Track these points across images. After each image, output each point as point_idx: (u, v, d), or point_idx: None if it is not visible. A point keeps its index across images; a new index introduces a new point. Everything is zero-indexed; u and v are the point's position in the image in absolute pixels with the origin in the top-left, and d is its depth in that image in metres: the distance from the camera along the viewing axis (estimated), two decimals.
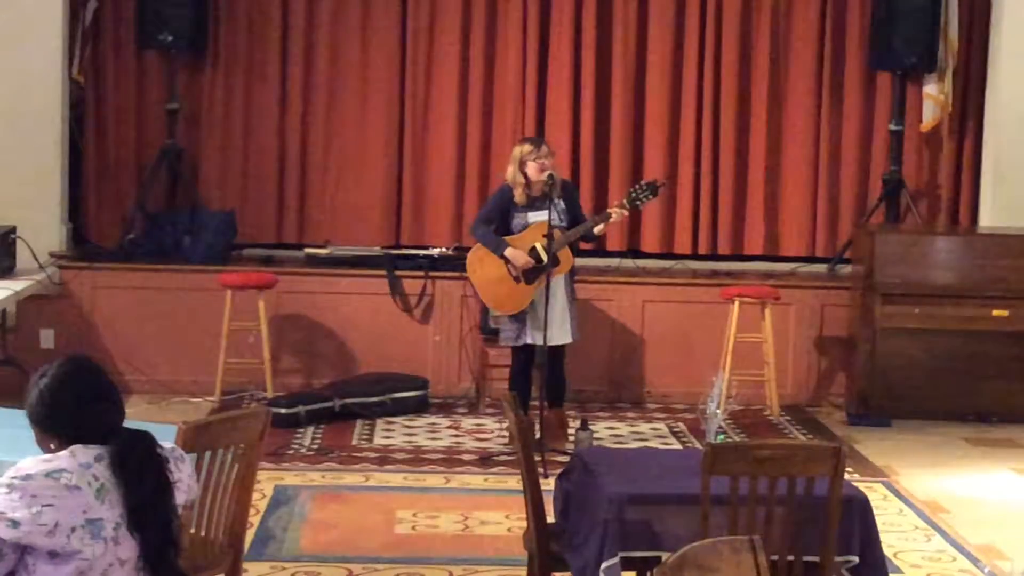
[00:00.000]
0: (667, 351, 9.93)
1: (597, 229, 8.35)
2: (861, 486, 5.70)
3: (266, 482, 7.53)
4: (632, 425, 9.34)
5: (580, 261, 9.48)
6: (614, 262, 10.50)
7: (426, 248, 10.25)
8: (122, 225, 10.28)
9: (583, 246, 8.67)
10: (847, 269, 10.25)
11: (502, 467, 8.11)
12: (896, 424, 9.45)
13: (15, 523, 3.40)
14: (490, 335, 9.28)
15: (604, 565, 4.89)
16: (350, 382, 9.54)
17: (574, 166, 10.48)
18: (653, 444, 8.82)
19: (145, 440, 3.61)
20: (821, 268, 10.59)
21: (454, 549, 6.72)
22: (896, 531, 7.10)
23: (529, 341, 8.31)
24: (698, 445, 8.19)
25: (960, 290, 9.35)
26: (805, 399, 9.99)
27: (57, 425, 3.57)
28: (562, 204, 8.35)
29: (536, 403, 8.27)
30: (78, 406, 3.57)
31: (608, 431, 9.11)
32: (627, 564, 4.96)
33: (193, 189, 10.41)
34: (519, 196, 8.33)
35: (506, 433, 8.53)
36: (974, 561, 6.70)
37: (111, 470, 3.52)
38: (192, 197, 10.36)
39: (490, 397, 9.55)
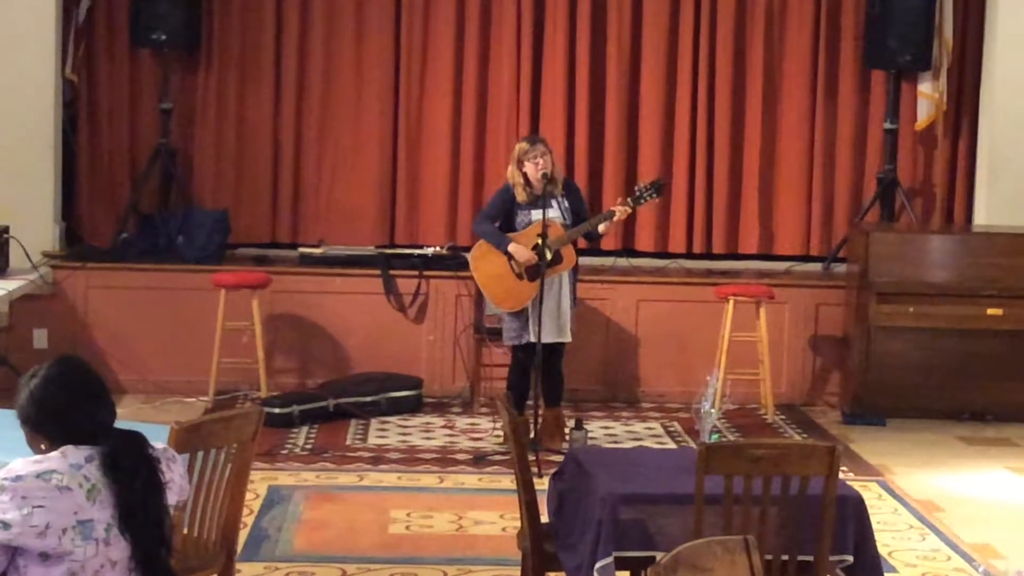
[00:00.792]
0: (662, 350, 9.92)
1: (602, 227, 8.32)
2: (856, 485, 5.68)
3: (260, 482, 7.52)
4: (627, 424, 9.33)
5: None
6: (609, 261, 10.49)
7: (420, 247, 10.24)
8: (115, 224, 10.26)
9: (580, 244, 8.64)
10: (842, 268, 10.26)
11: (496, 467, 8.10)
12: (891, 423, 9.45)
13: (6, 525, 3.38)
14: (487, 335, 9.30)
15: (598, 565, 4.88)
16: (344, 382, 9.53)
17: (569, 165, 10.47)
18: (648, 443, 8.82)
19: (136, 440, 3.59)
20: (816, 267, 10.59)
21: (448, 549, 6.71)
22: (891, 530, 7.09)
23: (532, 340, 8.29)
24: (693, 444, 8.19)
25: (955, 289, 9.35)
26: (800, 398, 9.99)
27: (48, 426, 3.55)
28: (566, 203, 8.34)
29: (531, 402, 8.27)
30: (69, 407, 3.55)
31: (603, 430, 9.11)
32: (621, 564, 4.95)
33: (186, 188, 10.40)
34: (520, 194, 8.32)
35: (500, 432, 8.52)
36: (969, 560, 6.69)
37: (102, 471, 3.50)
38: (185, 196, 10.35)
39: (484, 396, 9.54)
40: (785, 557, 4.88)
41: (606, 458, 5.89)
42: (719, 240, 10.68)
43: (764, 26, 10.59)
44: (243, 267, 9.89)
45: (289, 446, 8.50)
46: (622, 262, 10.53)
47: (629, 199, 8.40)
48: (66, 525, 3.42)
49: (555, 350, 8.33)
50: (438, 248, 10.12)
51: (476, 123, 10.57)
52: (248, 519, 6.90)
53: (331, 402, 9.19)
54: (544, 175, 8.17)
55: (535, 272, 8.23)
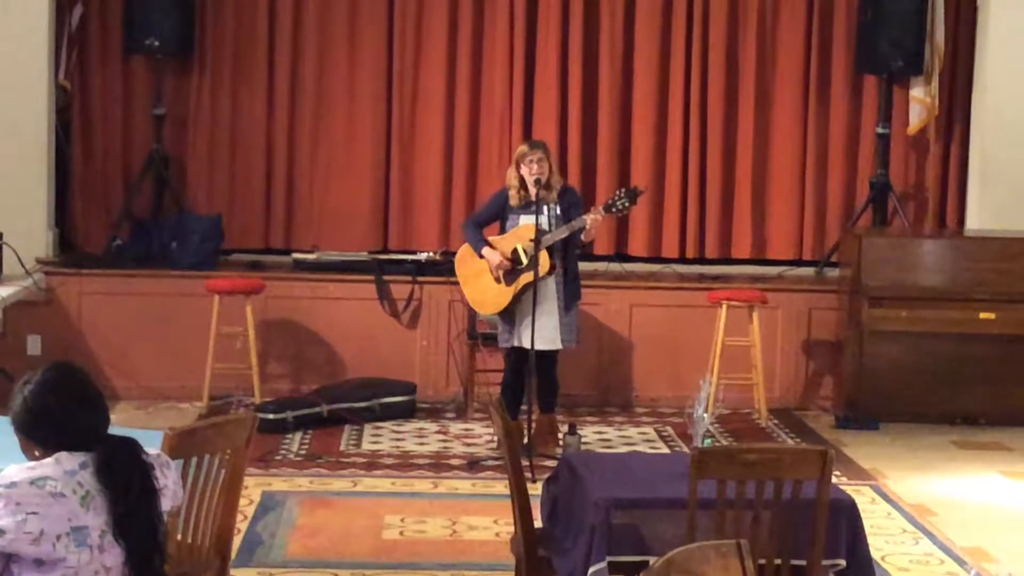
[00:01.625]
0: (655, 355, 9.93)
1: (584, 236, 8.30)
2: (849, 489, 5.70)
3: (254, 488, 7.52)
4: (620, 429, 9.33)
5: None
6: (601, 266, 10.50)
7: (414, 253, 10.25)
8: (109, 230, 10.26)
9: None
10: (835, 272, 10.26)
11: (490, 472, 8.10)
12: (884, 427, 9.46)
13: (0, 531, 3.38)
14: (480, 340, 9.30)
15: (591, 569, 4.89)
16: (338, 387, 9.53)
17: (562, 169, 10.45)
18: (641, 448, 8.82)
19: (130, 447, 3.59)
20: (809, 271, 10.60)
21: (442, 554, 6.71)
22: (884, 534, 7.10)
23: (516, 343, 8.32)
24: (686, 449, 8.18)
25: (947, 293, 9.36)
26: (793, 402, 10.00)
27: (42, 432, 3.56)
28: (558, 210, 8.33)
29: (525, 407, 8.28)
30: (63, 413, 3.55)
31: (596, 435, 9.11)
32: (614, 568, 4.95)
33: (180, 194, 10.40)
34: (513, 198, 8.35)
35: (494, 438, 8.53)
36: (962, 564, 6.70)
37: (96, 477, 3.50)
38: (179, 202, 10.36)
39: (478, 402, 9.55)
40: (778, 561, 4.89)
41: (600, 463, 5.89)
42: (712, 245, 10.69)
43: (756, 30, 10.60)
44: (237, 273, 9.91)
45: (283, 452, 8.50)
46: (615, 267, 10.54)
47: (602, 207, 8.40)
48: (60, 532, 3.42)
49: (546, 356, 8.34)
50: (431, 253, 10.13)
51: (469, 129, 10.58)
52: (242, 525, 6.90)
53: (325, 408, 9.19)
54: (537, 180, 8.19)
55: (511, 277, 8.27)
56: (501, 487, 7.32)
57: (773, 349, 9.86)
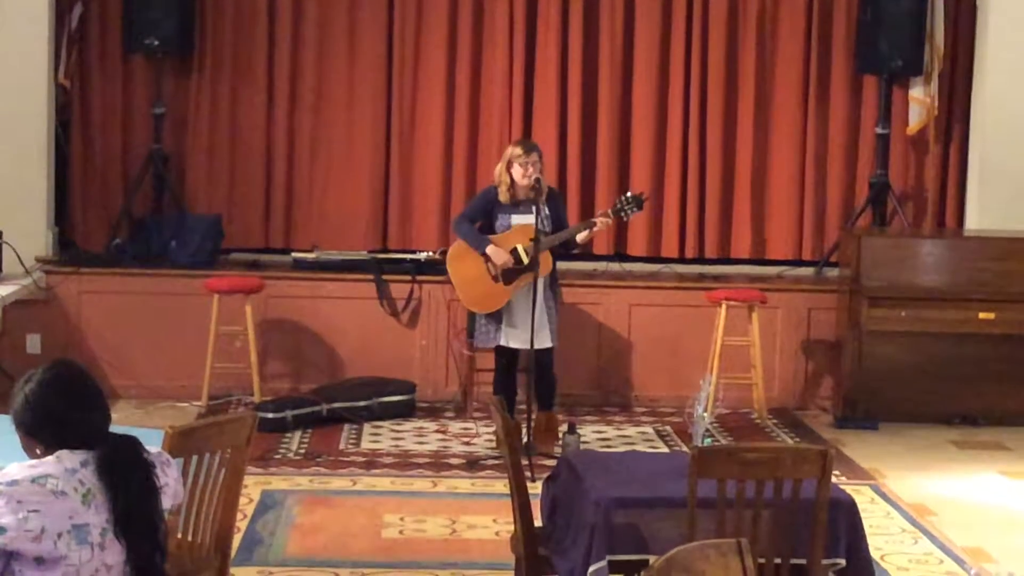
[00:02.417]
0: (654, 355, 9.93)
1: (580, 236, 8.37)
2: (848, 489, 5.70)
3: (253, 487, 7.52)
4: (619, 428, 9.34)
5: (566, 265, 9.53)
6: (601, 266, 10.50)
7: (413, 252, 10.24)
8: (108, 230, 10.26)
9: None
10: (834, 272, 10.26)
11: (489, 471, 8.11)
12: (883, 427, 9.46)
13: (1, 529, 3.38)
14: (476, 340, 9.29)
15: (591, 569, 4.89)
16: (337, 386, 9.53)
17: (561, 170, 10.49)
18: (640, 447, 8.82)
19: (131, 445, 3.60)
20: (808, 271, 10.60)
21: (442, 553, 6.71)
22: (883, 534, 7.10)
23: (502, 342, 8.33)
24: (685, 448, 8.18)
25: (947, 293, 9.36)
26: (792, 402, 10.00)
27: (43, 430, 3.56)
28: (546, 210, 8.36)
29: (524, 406, 8.28)
30: (64, 411, 3.55)
31: (595, 434, 9.11)
32: (614, 567, 4.96)
33: (179, 193, 10.40)
34: (503, 195, 8.36)
35: (493, 437, 8.53)
36: (961, 564, 6.70)
37: (97, 475, 3.51)
38: (178, 201, 10.35)
39: (477, 401, 9.55)
40: (778, 561, 4.89)
41: (599, 462, 5.89)
42: (711, 244, 10.69)
43: (756, 31, 10.60)
44: (236, 272, 9.91)
45: (282, 451, 8.51)
46: (614, 267, 10.54)
47: (610, 211, 8.43)
48: (61, 529, 3.42)
49: (542, 355, 8.34)
50: (431, 253, 10.12)
51: (469, 129, 10.58)
52: (242, 523, 6.90)
53: (324, 407, 9.19)
54: (537, 181, 8.21)
55: (511, 276, 8.28)
56: (501, 486, 7.32)
57: (772, 349, 9.86)
